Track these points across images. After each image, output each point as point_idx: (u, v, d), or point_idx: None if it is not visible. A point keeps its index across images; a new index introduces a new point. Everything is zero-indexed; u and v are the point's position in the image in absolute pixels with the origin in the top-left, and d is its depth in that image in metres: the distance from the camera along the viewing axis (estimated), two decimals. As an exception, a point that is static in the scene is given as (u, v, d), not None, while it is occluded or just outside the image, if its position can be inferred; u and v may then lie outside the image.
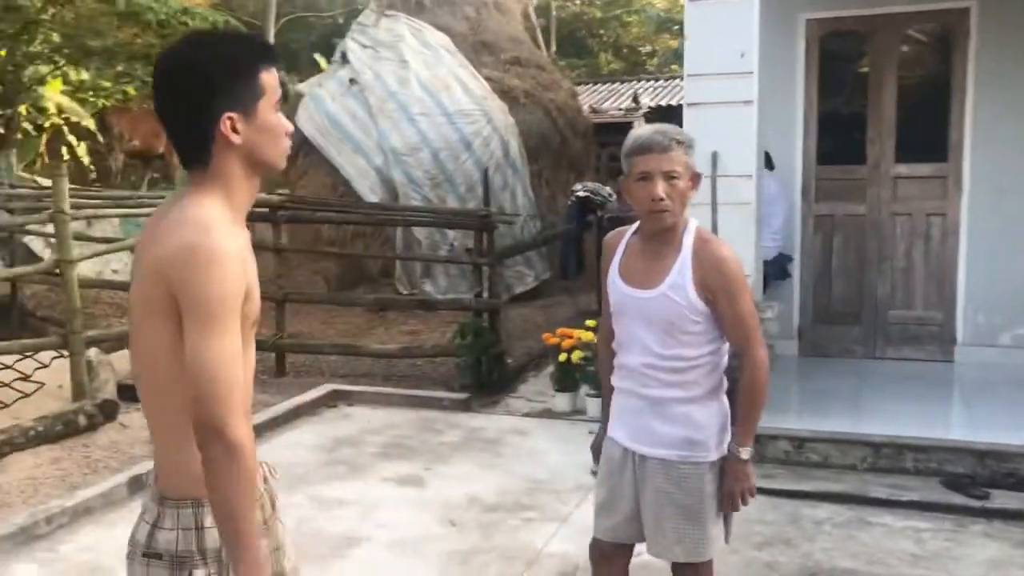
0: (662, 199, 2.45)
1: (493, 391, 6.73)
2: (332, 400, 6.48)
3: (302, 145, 11.21)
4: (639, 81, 18.04)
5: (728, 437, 2.58)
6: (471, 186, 10.64)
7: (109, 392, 6.03)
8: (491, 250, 6.97)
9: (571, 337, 6.21)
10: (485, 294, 7.05)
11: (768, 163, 6.19)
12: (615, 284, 2.62)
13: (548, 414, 6.22)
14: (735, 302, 2.47)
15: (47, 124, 19.06)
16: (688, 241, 2.51)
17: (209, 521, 1.70)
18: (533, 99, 11.46)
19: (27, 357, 5.87)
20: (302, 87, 12.04)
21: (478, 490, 4.80)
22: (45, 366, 5.92)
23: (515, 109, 11.23)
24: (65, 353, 5.82)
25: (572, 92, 12.56)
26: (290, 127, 1.80)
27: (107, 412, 5.84)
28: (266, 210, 7.40)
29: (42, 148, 20.10)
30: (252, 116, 1.71)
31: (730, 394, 2.63)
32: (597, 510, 2.79)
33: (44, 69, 16.35)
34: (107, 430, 5.74)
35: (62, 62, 15.88)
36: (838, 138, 6.61)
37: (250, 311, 1.70)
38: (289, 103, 13.48)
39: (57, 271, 5.85)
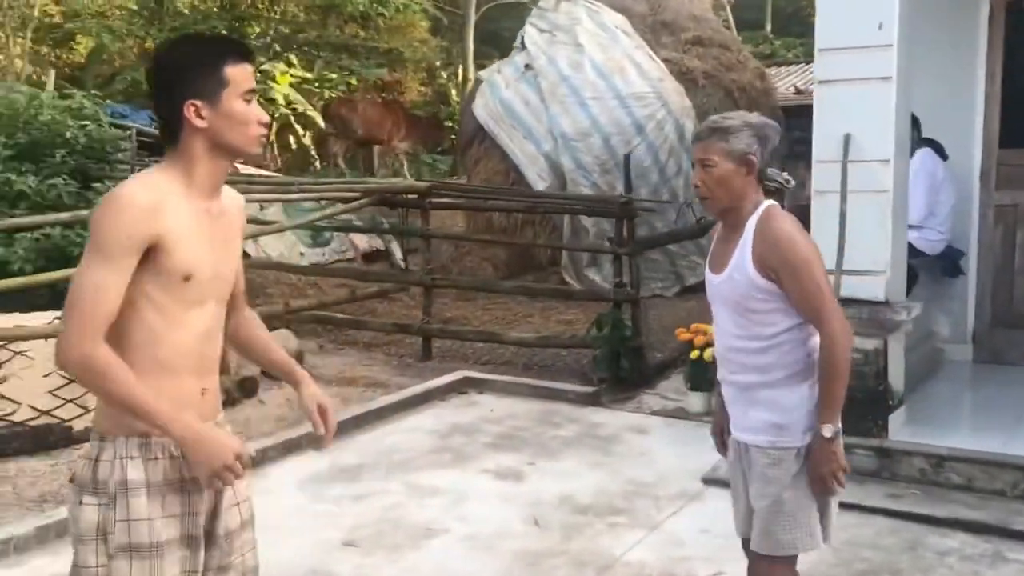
0: (696, 186, 2.57)
1: (629, 386, 6.48)
2: (463, 387, 6.47)
3: (477, 132, 11.32)
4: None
5: (816, 422, 2.51)
6: (642, 172, 10.31)
7: (252, 369, 6.32)
8: (632, 239, 6.70)
9: (705, 333, 5.85)
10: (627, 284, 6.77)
11: (932, 146, 5.56)
12: (705, 273, 2.70)
13: (680, 413, 5.91)
14: (797, 276, 2.44)
15: (276, 115, 20.49)
16: (752, 222, 2.52)
17: (105, 455, 1.93)
18: (713, 80, 10.95)
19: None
20: (482, 74, 12.14)
21: (575, 489, 4.61)
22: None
23: (693, 91, 10.77)
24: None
25: (760, 73, 11.89)
26: (264, 117, 2.04)
27: (246, 389, 6.12)
28: (415, 196, 7.47)
29: (272, 137, 21.67)
30: (217, 104, 1.97)
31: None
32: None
33: (270, 65, 17.49)
34: (245, 406, 6.01)
35: (270, 56, 16.87)
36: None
37: (172, 266, 1.91)
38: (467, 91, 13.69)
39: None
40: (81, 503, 1.92)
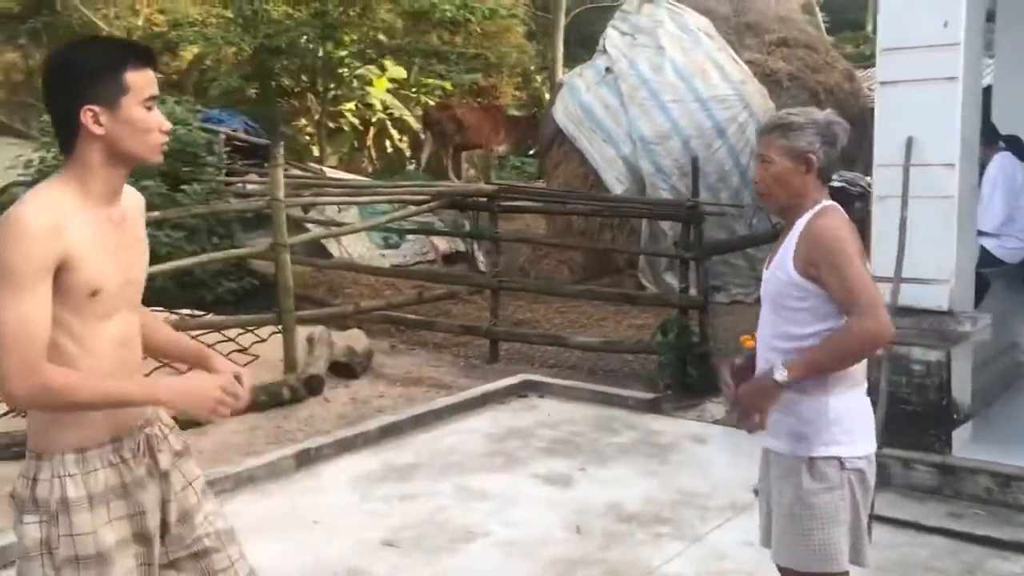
0: (755, 182, 2.58)
1: (695, 393, 6.36)
2: (524, 390, 6.47)
3: (557, 135, 11.31)
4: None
5: (845, 437, 2.44)
6: (722, 176, 10.15)
7: (319, 368, 6.46)
8: (699, 243, 6.59)
9: (769, 340, 5.70)
10: (692, 290, 6.66)
11: (1013, 148, 5.31)
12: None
13: (743, 422, 5.77)
14: (835, 270, 2.37)
15: (373, 119, 20.91)
16: (803, 220, 2.48)
17: (43, 475, 1.93)
18: (798, 82, 10.68)
19: (248, 331, 6.41)
20: (563, 78, 12.13)
21: (623, 497, 4.56)
22: (263, 340, 6.43)
23: (777, 93, 10.52)
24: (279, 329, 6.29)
25: (848, 74, 11.53)
26: (165, 124, 1.99)
27: (312, 387, 6.25)
28: (484, 199, 7.51)
29: (369, 141, 22.12)
30: (116, 110, 1.91)
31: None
32: None
33: (365, 70, 17.81)
34: (310, 404, 6.14)
35: (364, 62, 17.16)
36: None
37: (77, 283, 1.88)
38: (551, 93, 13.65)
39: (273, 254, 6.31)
40: (23, 522, 1.93)
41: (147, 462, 2.04)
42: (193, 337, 4.23)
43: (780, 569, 2.59)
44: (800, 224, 2.47)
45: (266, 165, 7.50)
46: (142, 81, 1.94)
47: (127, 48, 2.01)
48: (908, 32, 4.25)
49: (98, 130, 1.90)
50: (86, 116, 1.89)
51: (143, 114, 1.94)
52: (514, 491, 4.67)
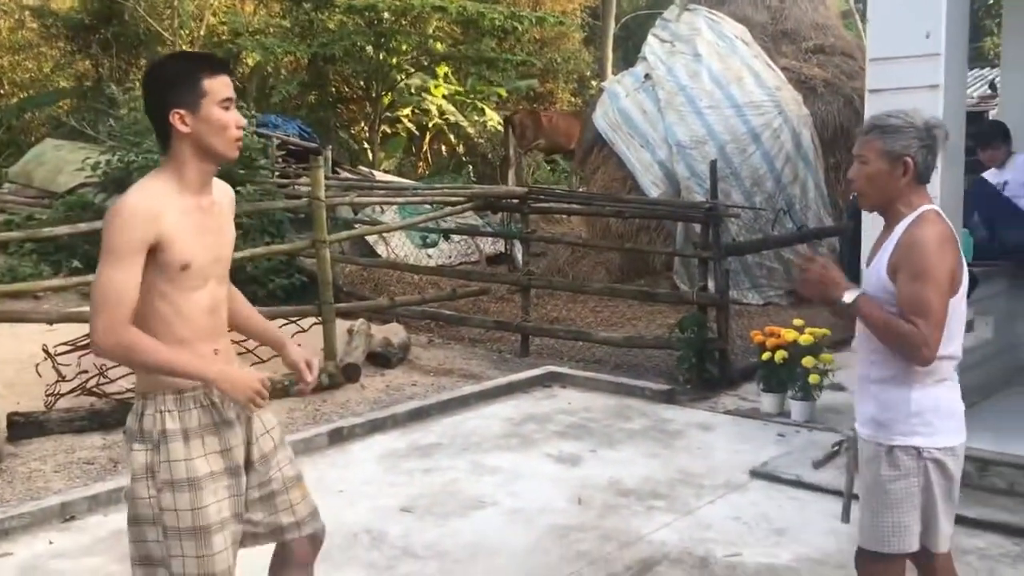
0: (851, 180, 2.61)
1: (712, 387, 6.67)
2: (548, 381, 6.84)
3: (596, 140, 11.65)
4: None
5: (925, 429, 2.52)
6: (757, 180, 10.40)
7: (356, 357, 6.91)
8: (717, 243, 6.89)
9: (777, 336, 6.00)
10: (711, 287, 6.97)
11: None
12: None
13: (752, 414, 6.08)
14: (910, 281, 2.43)
15: (430, 124, 21.49)
16: (903, 225, 2.52)
17: (148, 411, 2.34)
18: (833, 88, 10.85)
19: (291, 322, 6.88)
20: (603, 84, 12.45)
21: (625, 475, 4.90)
22: (304, 331, 6.90)
23: (811, 99, 10.72)
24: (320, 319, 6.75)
25: (887, 80, 11.67)
26: (242, 121, 2.38)
27: (349, 374, 6.70)
28: (516, 201, 7.90)
29: (424, 146, 22.71)
30: (197, 112, 2.29)
31: None
32: None
33: (420, 77, 18.32)
34: (347, 390, 6.59)
35: (416, 69, 17.64)
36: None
37: (171, 259, 2.28)
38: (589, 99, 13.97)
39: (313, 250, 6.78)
40: (132, 449, 2.36)
41: (235, 408, 2.43)
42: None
43: (862, 551, 2.69)
44: (899, 229, 2.52)
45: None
46: (218, 86, 2.31)
47: (204, 59, 2.40)
48: (894, 43, 4.53)
49: (185, 129, 2.29)
50: (174, 118, 2.28)
51: (221, 114, 2.31)
52: (525, 468, 5.05)
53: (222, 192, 2.52)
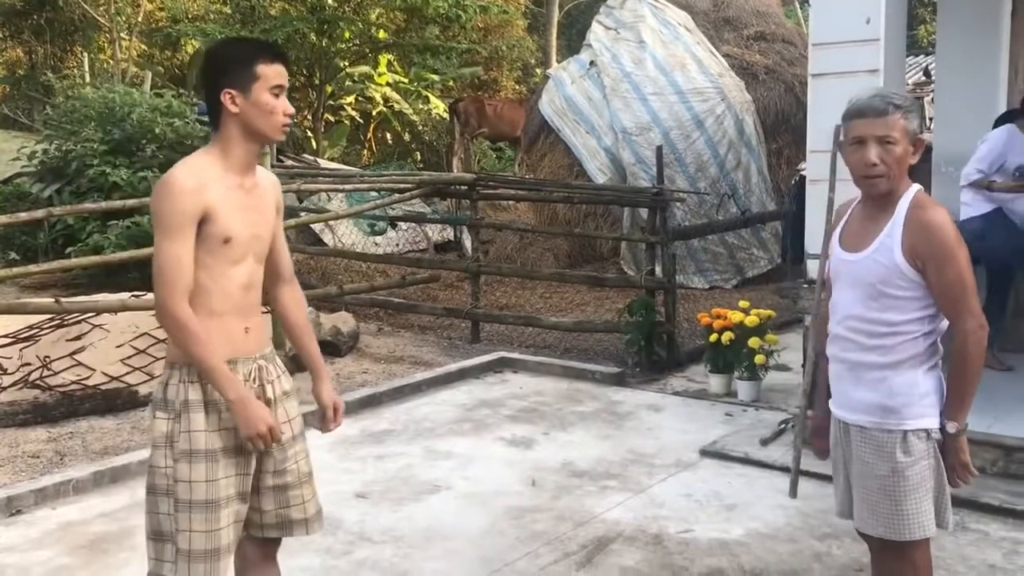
0: (874, 164, 2.46)
1: (660, 369, 6.77)
2: (499, 366, 6.87)
3: (542, 127, 11.69)
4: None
5: (931, 411, 2.51)
6: (701, 166, 10.53)
7: (305, 346, 6.85)
8: (664, 228, 6.98)
9: (724, 318, 6.10)
10: (658, 271, 7.05)
11: None
12: (834, 249, 2.67)
13: (700, 394, 6.18)
14: (941, 270, 2.42)
15: (375, 113, 21.32)
16: (903, 206, 2.49)
17: (173, 380, 2.41)
18: (774, 75, 11.04)
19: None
20: (549, 71, 12.50)
21: (577, 456, 4.96)
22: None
23: (754, 86, 10.89)
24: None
25: (826, 67, 11.90)
26: (289, 109, 2.45)
27: (298, 363, 6.62)
28: (464, 188, 7.90)
29: (369, 134, 22.55)
30: (248, 94, 2.38)
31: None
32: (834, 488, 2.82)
33: (365, 65, 18.16)
34: (296, 379, 6.50)
35: (359, 57, 17.50)
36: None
37: (215, 232, 2.36)
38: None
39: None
40: (155, 417, 2.40)
41: (256, 388, 2.46)
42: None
43: (868, 538, 2.64)
44: (901, 211, 2.48)
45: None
46: (271, 72, 2.40)
47: (263, 46, 2.49)
48: (834, 29, 4.64)
49: (234, 109, 2.37)
50: (225, 97, 2.37)
51: (270, 99, 2.40)
52: (478, 452, 5.08)
53: (266, 178, 2.60)
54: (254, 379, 2.47)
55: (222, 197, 2.36)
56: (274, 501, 2.55)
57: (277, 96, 2.41)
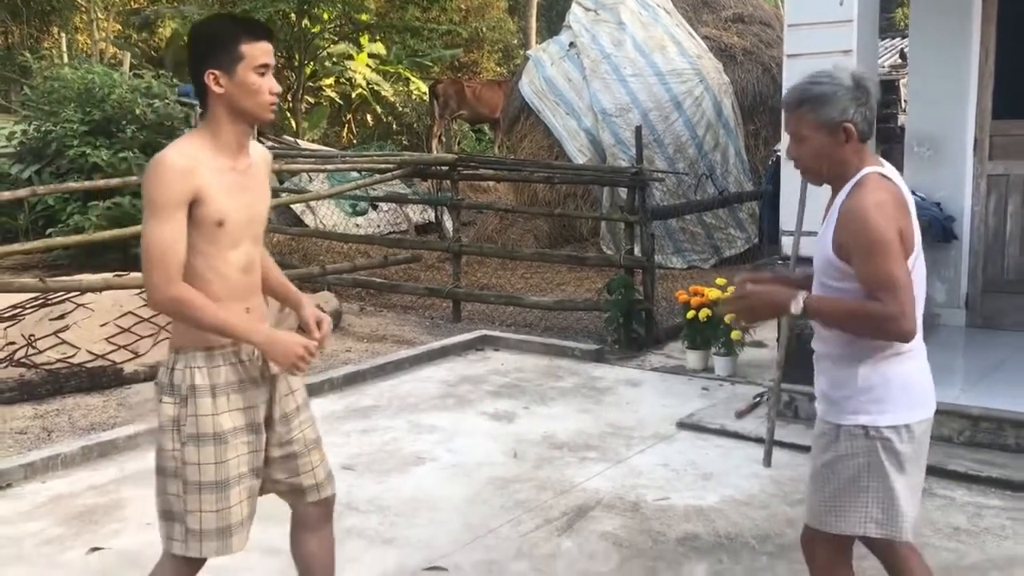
0: (792, 159, 2.43)
1: (639, 346, 6.88)
2: (480, 344, 6.97)
3: (523, 108, 11.76)
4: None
5: (873, 407, 2.35)
6: (679, 147, 10.65)
7: (289, 326, 6.88)
8: (643, 208, 7.08)
9: (701, 295, 6.22)
10: (637, 251, 7.16)
11: None
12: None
13: (678, 370, 6.30)
14: (864, 260, 2.25)
15: (355, 94, 21.29)
16: (843, 194, 2.35)
17: (179, 365, 2.42)
18: (752, 57, 11.15)
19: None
20: (529, 53, 12.55)
21: (558, 429, 5.07)
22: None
23: (731, 67, 11.00)
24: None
25: (803, 49, 12.02)
26: (275, 87, 2.41)
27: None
28: (445, 168, 7.97)
29: (349, 116, 22.51)
30: (233, 74, 2.34)
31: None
32: None
33: (344, 46, 18.11)
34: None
35: (340, 38, 17.46)
36: (1018, 91, 5.99)
37: (207, 215, 2.34)
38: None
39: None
40: (161, 401, 2.42)
41: (260, 366, 2.49)
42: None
43: (806, 527, 2.57)
44: (841, 196, 2.35)
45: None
46: (256, 51, 2.36)
47: (244, 24, 2.45)
48: (809, 10, 4.75)
49: (219, 90, 2.33)
50: (209, 78, 2.33)
51: (255, 78, 2.35)
52: (462, 426, 5.18)
53: (259, 154, 2.56)
54: (258, 359, 2.48)
55: (214, 179, 2.34)
56: (284, 471, 2.59)
57: (263, 75, 2.37)
